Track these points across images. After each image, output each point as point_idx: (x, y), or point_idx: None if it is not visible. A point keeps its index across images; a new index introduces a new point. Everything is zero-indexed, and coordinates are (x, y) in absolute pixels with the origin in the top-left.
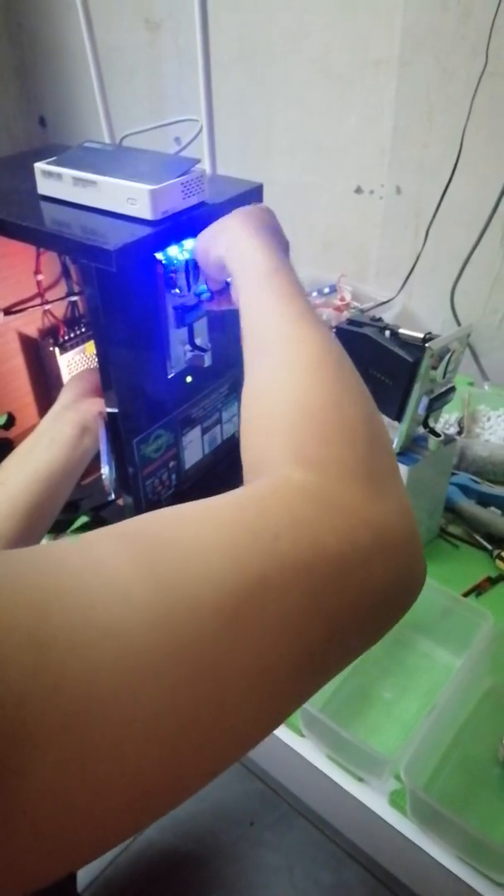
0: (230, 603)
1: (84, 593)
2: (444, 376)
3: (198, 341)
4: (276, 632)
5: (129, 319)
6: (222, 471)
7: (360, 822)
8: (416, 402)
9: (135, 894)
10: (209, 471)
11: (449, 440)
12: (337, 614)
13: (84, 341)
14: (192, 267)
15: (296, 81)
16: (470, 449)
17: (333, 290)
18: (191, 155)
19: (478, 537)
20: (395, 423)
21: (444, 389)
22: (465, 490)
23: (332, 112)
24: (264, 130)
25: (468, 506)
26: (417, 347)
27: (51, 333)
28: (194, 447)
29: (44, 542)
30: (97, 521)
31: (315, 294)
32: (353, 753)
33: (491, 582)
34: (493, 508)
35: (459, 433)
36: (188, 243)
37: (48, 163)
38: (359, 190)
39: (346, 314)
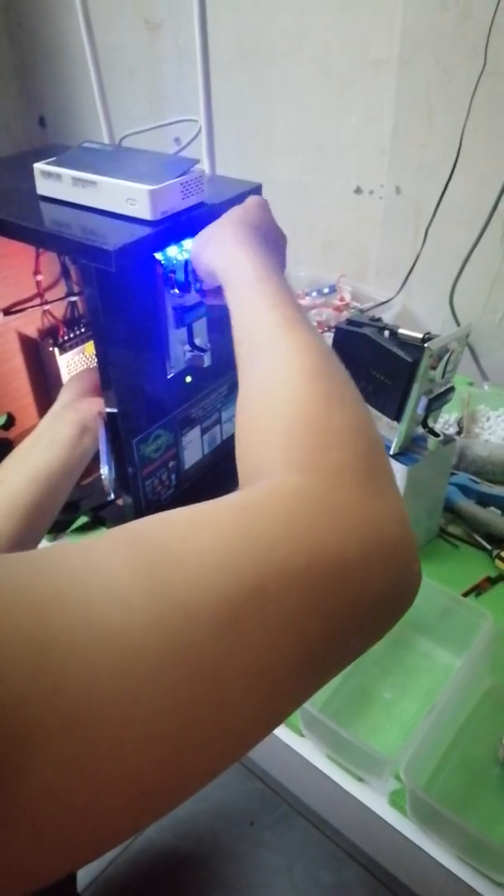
0: (229, 605)
1: (83, 596)
2: (443, 376)
3: (197, 341)
4: (276, 632)
5: (129, 319)
6: (222, 471)
7: (360, 822)
8: (416, 402)
9: (135, 894)
10: (209, 471)
11: (448, 440)
12: (337, 614)
13: (83, 341)
14: (192, 267)
15: (296, 81)
16: (469, 449)
17: (333, 290)
18: (190, 155)
19: (477, 537)
20: (395, 423)
21: (443, 389)
22: (465, 490)
23: (332, 112)
24: (264, 130)
25: (468, 506)
26: (416, 347)
27: (50, 334)
28: (194, 447)
29: (43, 542)
30: (97, 522)
31: (315, 294)
32: (353, 753)
33: (490, 582)
34: (492, 508)
35: (459, 433)
36: (187, 243)
37: (48, 163)
38: (358, 190)
39: (345, 314)
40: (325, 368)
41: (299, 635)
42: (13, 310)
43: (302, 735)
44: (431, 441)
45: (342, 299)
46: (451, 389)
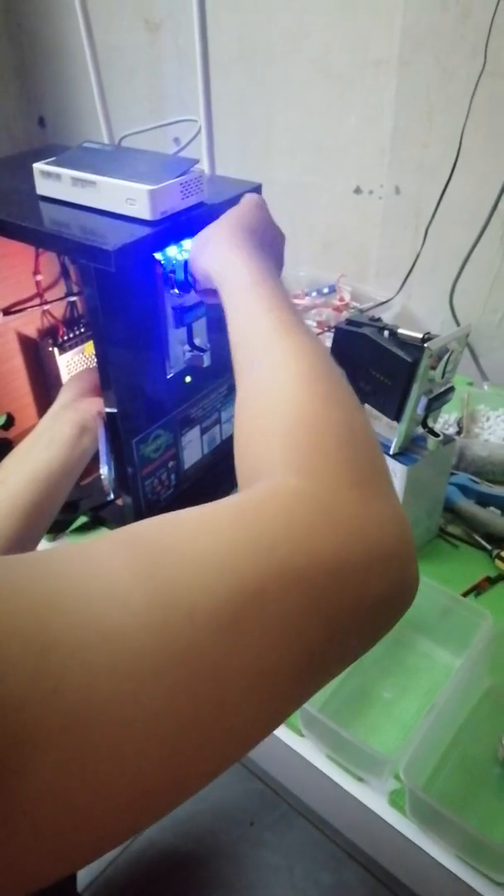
0: (229, 606)
1: (84, 597)
2: (442, 376)
3: (197, 341)
4: (276, 633)
5: (128, 319)
6: (221, 471)
7: (360, 822)
8: (415, 402)
9: (135, 894)
10: (208, 471)
11: (448, 440)
12: (336, 615)
13: (83, 341)
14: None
15: (296, 81)
16: (469, 449)
17: (333, 290)
18: (190, 155)
19: (477, 537)
20: (394, 423)
21: (442, 389)
22: (465, 490)
23: (332, 112)
24: (264, 130)
25: (467, 506)
26: (416, 347)
27: (50, 334)
28: (193, 447)
29: (43, 542)
30: (96, 522)
31: (315, 294)
32: (352, 753)
33: (490, 582)
34: (492, 508)
35: (458, 433)
36: (187, 244)
37: (47, 163)
38: (358, 190)
39: (345, 314)
40: (322, 371)
41: (299, 636)
42: (13, 310)
43: (302, 735)
44: (431, 441)
45: (342, 299)
46: (451, 389)
